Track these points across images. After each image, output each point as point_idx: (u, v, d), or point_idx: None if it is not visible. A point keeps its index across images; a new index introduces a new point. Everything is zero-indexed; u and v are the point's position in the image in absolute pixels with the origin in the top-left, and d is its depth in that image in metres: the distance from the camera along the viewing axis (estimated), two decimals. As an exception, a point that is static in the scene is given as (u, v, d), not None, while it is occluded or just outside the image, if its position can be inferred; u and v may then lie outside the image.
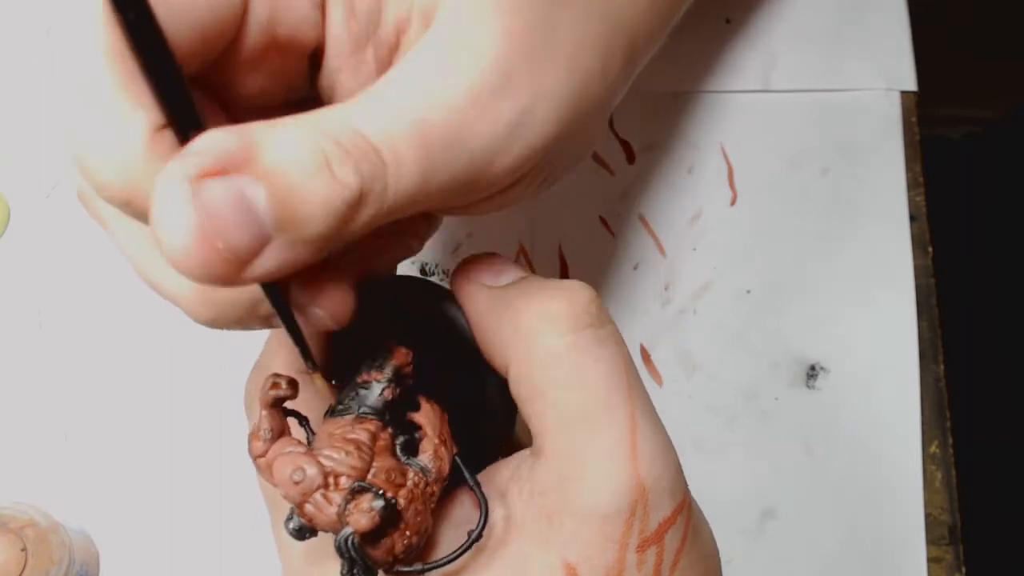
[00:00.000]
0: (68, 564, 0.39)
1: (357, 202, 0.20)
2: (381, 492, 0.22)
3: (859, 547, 0.43)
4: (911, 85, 0.49)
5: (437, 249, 0.47)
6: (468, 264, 0.27)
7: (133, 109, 0.20)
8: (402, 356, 0.25)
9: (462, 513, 0.26)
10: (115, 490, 0.44)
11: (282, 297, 0.23)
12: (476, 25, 0.22)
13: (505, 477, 0.26)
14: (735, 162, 0.49)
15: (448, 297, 0.28)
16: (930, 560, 0.43)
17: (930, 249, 0.47)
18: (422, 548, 0.24)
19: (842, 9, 0.51)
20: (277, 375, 0.24)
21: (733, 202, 0.48)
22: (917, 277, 0.46)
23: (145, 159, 0.20)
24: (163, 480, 0.44)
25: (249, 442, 0.24)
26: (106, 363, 0.46)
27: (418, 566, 0.23)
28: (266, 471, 0.23)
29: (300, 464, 0.22)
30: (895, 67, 0.49)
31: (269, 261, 0.19)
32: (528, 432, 0.26)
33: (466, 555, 0.24)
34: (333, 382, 0.26)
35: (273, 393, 0.24)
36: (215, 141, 0.18)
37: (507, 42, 0.22)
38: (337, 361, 0.27)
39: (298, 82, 0.25)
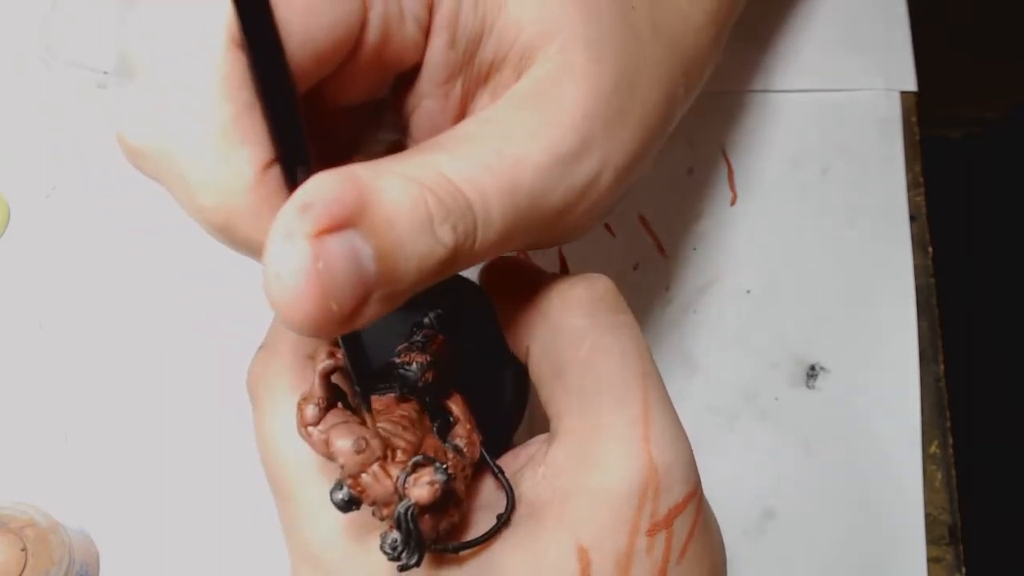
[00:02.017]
0: (68, 564, 0.39)
1: (451, 260, 0.20)
2: (444, 466, 0.22)
3: (859, 547, 0.43)
4: (911, 85, 0.49)
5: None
6: (499, 262, 0.28)
7: (245, 142, 0.20)
8: (441, 342, 0.26)
9: (483, 497, 0.26)
10: (115, 490, 0.44)
11: (357, 339, 0.23)
12: (567, 85, 0.23)
13: (521, 462, 0.27)
14: (735, 162, 0.49)
15: (471, 289, 0.28)
16: (930, 560, 0.43)
17: (930, 249, 0.47)
18: (453, 529, 0.25)
19: (842, 9, 0.51)
20: (334, 347, 0.24)
21: (733, 202, 0.48)
22: (917, 277, 0.46)
23: (252, 193, 0.20)
24: (163, 480, 0.44)
25: (300, 408, 0.24)
26: (106, 363, 0.46)
27: (449, 545, 0.24)
28: (318, 440, 0.23)
29: (363, 434, 0.22)
30: (895, 67, 0.49)
31: (367, 314, 0.19)
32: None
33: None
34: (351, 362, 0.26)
35: (331, 363, 0.24)
36: (329, 190, 0.18)
37: (591, 106, 0.23)
38: (365, 346, 0.27)
39: (381, 90, 0.25)
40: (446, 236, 0.20)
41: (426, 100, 0.25)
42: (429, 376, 0.25)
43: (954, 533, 0.43)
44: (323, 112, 0.25)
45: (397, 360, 0.25)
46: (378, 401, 0.25)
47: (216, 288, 0.47)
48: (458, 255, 0.21)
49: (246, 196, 0.20)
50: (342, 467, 0.22)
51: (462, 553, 0.24)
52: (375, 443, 0.22)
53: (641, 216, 0.48)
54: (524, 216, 0.22)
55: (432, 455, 0.23)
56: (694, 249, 0.47)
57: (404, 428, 0.23)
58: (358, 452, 0.22)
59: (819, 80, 0.49)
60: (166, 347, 0.46)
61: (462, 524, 0.25)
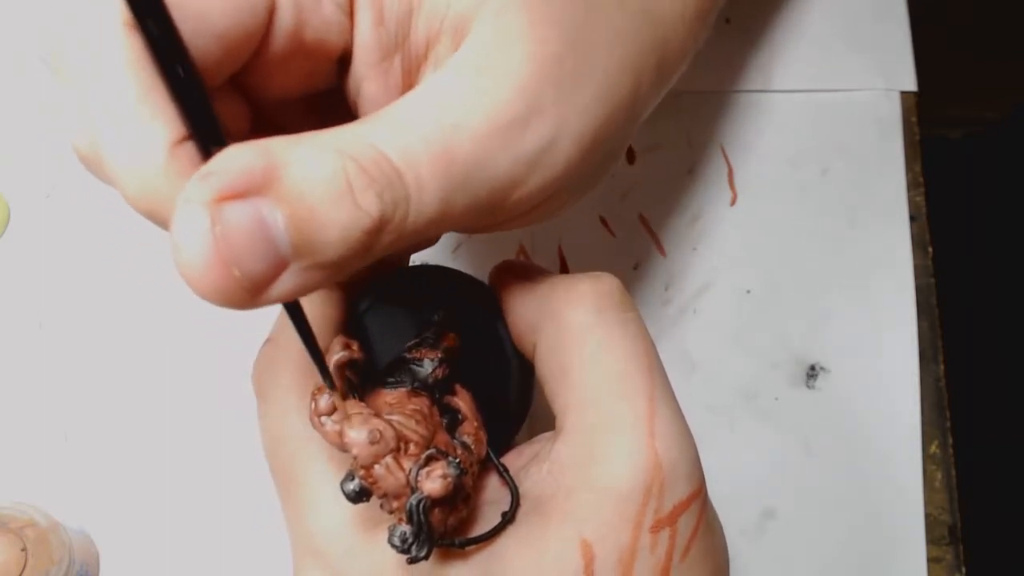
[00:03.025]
0: (68, 564, 0.39)
1: (377, 229, 0.20)
2: (456, 460, 0.23)
3: (859, 547, 0.43)
4: (911, 85, 0.49)
5: (437, 249, 0.47)
6: (507, 263, 0.28)
7: (153, 120, 0.20)
8: (452, 339, 0.26)
9: (488, 493, 0.26)
10: (115, 490, 0.44)
11: (301, 315, 0.23)
12: (506, 49, 0.22)
13: (526, 459, 0.27)
14: (735, 162, 0.49)
15: (477, 288, 0.29)
16: (930, 560, 0.43)
17: (930, 249, 0.47)
18: (462, 524, 0.25)
19: (842, 9, 0.51)
20: (349, 338, 0.24)
21: (733, 202, 0.48)
22: (917, 277, 0.46)
23: (165, 172, 0.20)
24: (163, 480, 0.44)
25: (313, 398, 0.24)
26: (106, 363, 0.46)
27: (456, 540, 0.24)
28: (331, 431, 0.23)
29: (377, 426, 0.22)
30: (895, 67, 0.49)
31: (284, 286, 0.19)
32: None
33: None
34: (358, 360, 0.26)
35: (346, 354, 0.24)
36: (236, 160, 0.18)
37: (536, 70, 0.22)
38: (370, 340, 0.27)
39: (325, 79, 0.25)
40: (370, 205, 0.19)
41: (365, 83, 0.25)
42: (440, 372, 0.25)
43: (954, 533, 0.43)
44: (271, 107, 0.25)
45: (408, 356, 0.25)
46: (390, 395, 0.25)
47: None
48: (385, 225, 0.20)
49: (160, 177, 0.20)
50: (355, 458, 0.22)
51: (467, 548, 0.24)
52: (389, 434, 0.22)
53: (641, 216, 0.48)
54: (464, 187, 0.21)
55: (445, 449, 0.23)
56: (694, 249, 0.47)
57: (417, 422, 0.23)
58: (372, 443, 0.22)
59: (819, 80, 0.49)
60: (166, 347, 0.46)
61: (468, 520, 0.25)
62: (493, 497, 0.26)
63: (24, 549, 0.38)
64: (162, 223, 0.21)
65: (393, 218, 0.20)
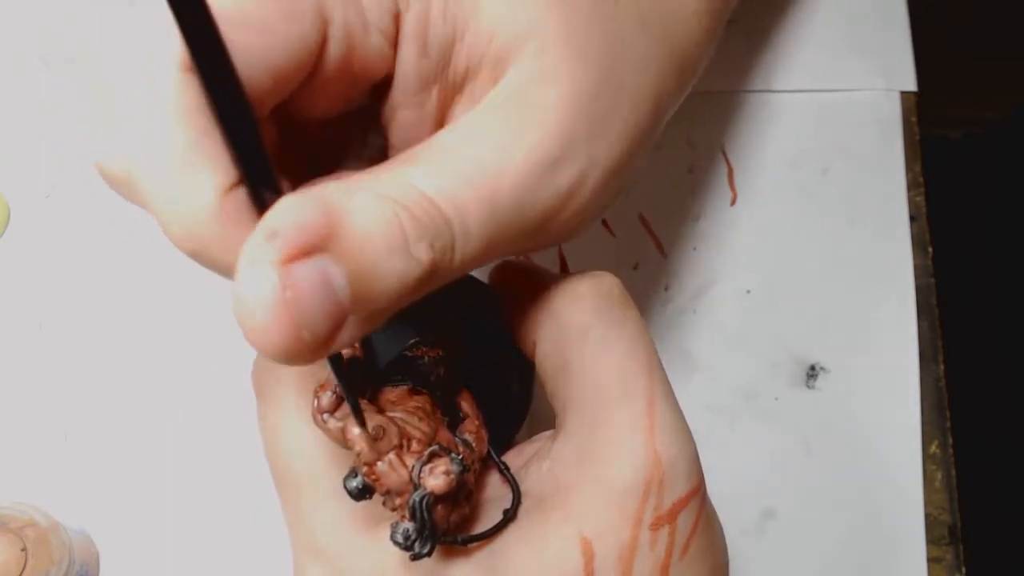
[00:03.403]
0: (68, 564, 0.39)
1: (429, 277, 0.20)
2: (460, 457, 0.23)
3: (859, 547, 0.43)
4: (911, 85, 0.49)
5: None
6: (508, 263, 0.28)
7: (206, 165, 0.20)
8: (452, 341, 0.26)
9: (489, 491, 0.26)
10: (115, 490, 0.44)
11: (340, 359, 0.23)
12: (544, 88, 0.22)
13: (526, 457, 0.27)
14: (735, 162, 0.49)
15: (478, 287, 0.29)
16: (930, 560, 0.43)
17: (930, 249, 0.47)
18: (463, 522, 0.25)
19: (842, 9, 0.51)
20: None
21: (733, 202, 0.48)
22: (917, 277, 0.46)
23: (217, 218, 0.20)
24: (163, 480, 0.44)
25: (316, 394, 0.24)
26: (106, 363, 0.46)
27: (458, 537, 0.24)
28: (334, 428, 0.23)
29: (380, 422, 0.22)
30: (895, 67, 0.49)
31: (344, 338, 0.19)
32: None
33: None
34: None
35: (349, 352, 0.24)
36: (298, 215, 0.18)
37: (572, 109, 0.22)
38: (371, 339, 0.27)
39: (358, 100, 0.25)
40: (422, 254, 0.20)
41: (401, 110, 0.25)
42: (441, 371, 0.25)
43: (954, 533, 0.43)
44: (299, 126, 0.24)
45: (410, 354, 0.25)
46: (392, 392, 0.25)
47: (216, 288, 0.46)
48: (437, 271, 0.20)
49: (210, 222, 0.20)
50: (358, 455, 0.22)
51: (469, 546, 0.24)
52: (392, 431, 0.23)
53: (641, 216, 0.48)
54: (506, 225, 0.22)
55: (443, 447, 0.23)
56: (694, 249, 0.47)
57: (419, 419, 0.23)
58: (375, 440, 0.22)
59: (819, 80, 0.49)
60: (166, 347, 0.46)
61: (470, 517, 0.25)
62: (494, 495, 0.26)
63: (24, 549, 0.38)
64: (209, 264, 0.21)
65: (443, 263, 0.20)
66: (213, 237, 0.20)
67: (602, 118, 0.23)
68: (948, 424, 0.45)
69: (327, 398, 0.23)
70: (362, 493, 0.23)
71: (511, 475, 0.25)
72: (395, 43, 0.23)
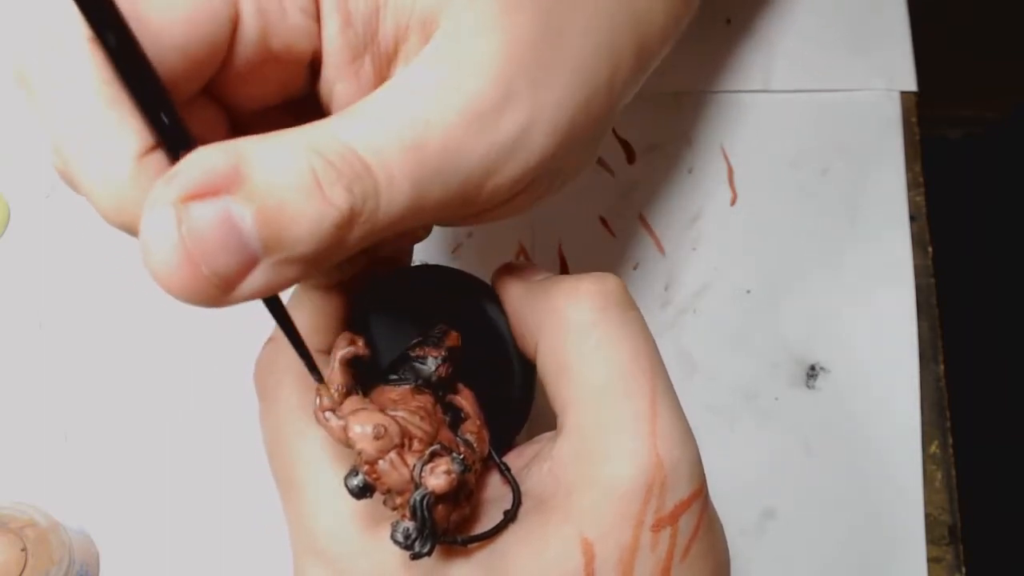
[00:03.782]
0: (68, 564, 0.39)
1: (347, 223, 0.20)
2: (460, 456, 0.23)
3: (859, 547, 0.43)
4: (911, 85, 0.49)
5: (437, 249, 0.47)
6: (509, 265, 0.28)
7: (119, 132, 0.20)
8: (455, 338, 0.26)
9: (490, 491, 0.26)
10: (115, 490, 0.44)
11: (282, 311, 0.23)
12: (477, 37, 0.22)
13: (527, 458, 0.27)
14: (735, 162, 0.49)
15: (479, 288, 0.29)
16: (930, 560, 0.43)
17: (930, 249, 0.47)
18: (464, 522, 0.25)
19: (842, 9, 0.51)
20: (354, 334, 0.24)
21: (733, 202, 0.48)
22: (917, 277, 0.46)
23: (134, 182, 0.20)
24: (163, 480, 0.44)
25: (318, 393, 0.24)
26: (106, 363, 0.46)
27: (459, 537, 0.24)
28: (336, 426, 0.23)
29: (382, 421, 0.22)
30: (895, 67, 0.49)
31: (256, 283, 0.19)
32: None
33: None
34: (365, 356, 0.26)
35: (352, 349, 0.24)
36: (202, 160, 0.18)
37: (508, 57, 0.22)
38: (373, 339, 0.27)
39: (298, 85, 0.25)
40: (339, 198, 0.19)
41: (337, 85, 0.25)
42: (443, 371, 0.25)
43: (954, 533, 0.43)
44: (248, 116, 0.25)
45: (412, 354, 0.26)
46: (394, 391, 0.25)
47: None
48: (356, 219, 0.20)
49: (129, 187, 0.20)
50: (359, 453, 0.22)
51: (469, 546, 0.24)
52: (394, 430, 0.22)
53: (641, 216, 0.48)
54: (437, 178, 0.21)
55: (444, 447, 0.24)
56: (694, 249, 0.47)
57: (421, 418, 0.23)
58: (377, 438, 0.22)
59: (819, 80, 0.49)
60: (166, 346, 0.46)
61: (471, 517, 0.25)
62: (495, 495, 0.26)
63: (24, 549, 0.38)
64: (135, 234, 0.21)
65: (363, 211, 0.20)
66: (135, 203, 0.20)
67: (544, 69, 0.22)
68: (948, 424, 0.45)
69: (328, 397, 0.23)
70: (363, 491, 0.23)
71: (511, 476, 0.25)
72: (317, 18, 0.23)
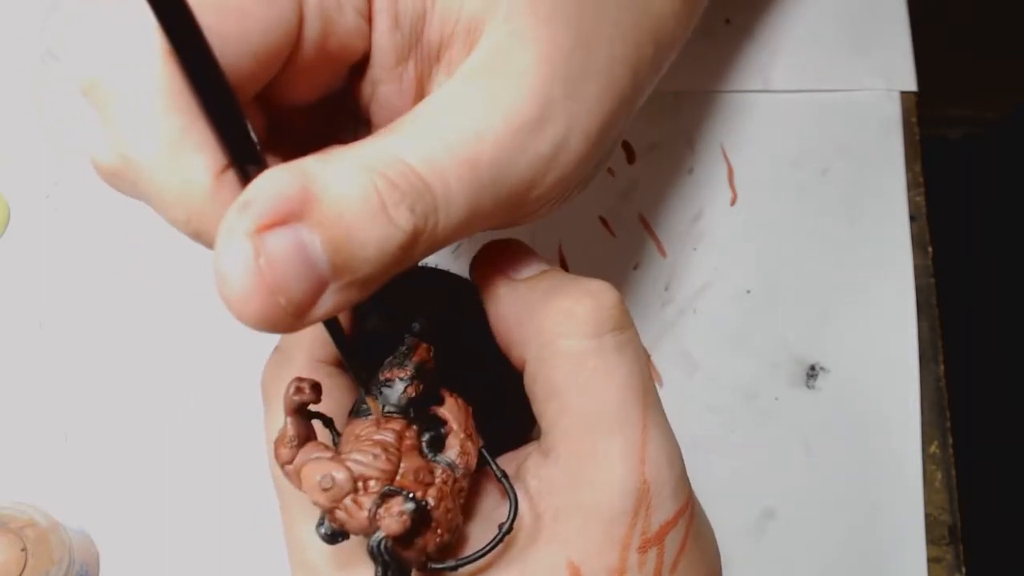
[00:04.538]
0: (68, 564, 0.39)
1: (411, 243, 0.20)
2: (411, 495, 0.22)
3: (859, 547, 0.43)
4: (911, 85, 0.49)
5: (437, 249, 0.47)
6: (490, 252, 0.27)
7: (201, 150, 0.20)
8: (423, 352, 0.25)
9: (488, 506, 0.26)
10: (115, 490, 0.44)
11: (338, 327, 0.23)
12: (518, 51, 0.22)
13: (511, 470, 0.26)
14: (735, 162, 0.49)
15: (470, 287, 0.28)
16: (930, 560, 0.43)
17: (930, 249, 0.47)
18: (454, 544, 0.24)
19: (842, 9, 0.51)
20: (300, 379, 0.24)
21: (733, 202, 0.48)
22: (917, 277, 0.46)
23: (213, 199, 0.20)
24: (163, 480, 0.44)
25: (275, 449, 0.24)
26: (106, 363, 0.46)
27: (451, 562, 0.24)
28: (294, 478, 0.23)
29: (328, 470, 0.22)
30: (895, 67, 0.49)
31: (325, 306, 0.19)
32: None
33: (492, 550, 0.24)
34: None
35: (297, 399, 0.23)
36: (273, 185, 0.18)
37: (547, 70, 0.22)
38: (362, 355, 0.27)
39: (338, 83, 0.25)
40: (403, 219, 0.19)
41: (381, 86, 0.25)
42: (412, 390, 0.25)
43: (954, 533, 0.43)
44: (286, 114, 0.25)
45: (381, 377, 0.25)
46: (359, 425, 0.24)
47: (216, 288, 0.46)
48: (419, 237, 0.20)
49: (208, 203, 0.20)
50: (314, 503, 0.22)
51: (463, 570, 0.24)
52: (342, 477, 0.22)
53: (641, 216, 0.48)
54: (489, 191, 0.21)
55: (414, 476, 0.23)
56: (694, 249, 0.47)
57: (375, 456, 0.23)
58: (325, 490, 0.22)
59: (819, 80, 0.49)
60: (166, 347, 0.46)
61: (461, 537, 0.24)
62: (495, 508, 0.26)
63: (24, 549, 0.38)
64: (210, 244, 0.21)
65: (425, 229, 0.20)
66: (210, 217, 0.20)
67: (577, 79, 0.23)
68: (948, 424, 0.45)
69: (284, 452, 0.23)
70: (334, 538, 0.23)
71: (510, 485, 0.24)
72: (369, 19, 0.23)
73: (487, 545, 0.24)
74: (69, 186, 0.49)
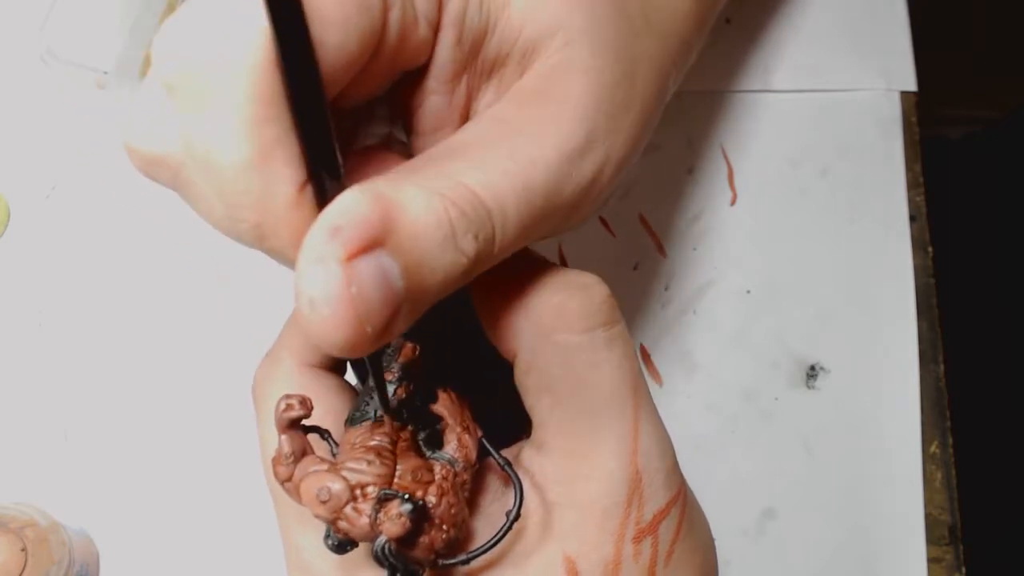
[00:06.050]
0: (68, 564, 0.39)
1: (473, 268, 0.21)
2: (407, 496, 0.22)
3: (859, 547, 0.43)
4: (911, 85, 0.49)
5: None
6: None
7: (288, 163, 0.20)
8: (409, 352, 0.25)
9: (486, 500, 0.26)
10: (115, 490, 0.44)
11: (379, 353, 0.23)
12: (570, 80, 0.23)
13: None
14: (735, 162, 0.49)
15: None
16: (930, 560, 0.43)
17: (930, 249, 0.47)
18: (462, 538, 0.24)
19: (842, 9, 0.51)
20: (289, 396, 0.24)
21: (733, 202, 0.48)
22: (917, 277, 0.46)
23: (294, 212, 0.20)
24: (163, 480, 0.44)
25: (273, 467, 0.24)
26: (106, 363, 0.46)
27: (462, 556, 0.24)
28: (294, 494, 0.23)
29: (324, 482, 0.22)
30: (895, 67, 0.49)
31: (397, 328, 0.19)
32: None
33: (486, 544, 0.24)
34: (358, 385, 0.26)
35: (287, 415, 0.23)
36: (356, 210, 0.18)
37: (594, 101, 0.24)
38: (354, 360, 0.27)
39: (386, 88, 0.25)
40: (469, 247, 0.20)
41: (432, 96, 0.25)
42: (402, 392, 0.25)
43: (954, 533, 0.43)
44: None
45: (369, 384, 0.25)
46: (354, 433, 0.24)
47: (216, 289, 0.46)
48: (479, 262, 0.21)
49: (286, 214, 0.20)
50: (315, 516, 0.22)
51: (464, 567, 0.24)
52: (338, 488, 0.22)
53: (641, 216, 0.48)
54: (538, 214, 0.22)
55: (413, 476, 0.23)
56: (694, 249, 0.47)
57: (369, 463, 0.23)
58: (323, 502, 0.22)
59: (819, 80, 0.49)
60: (166, 347, 0.46)
61: (468, 530, 0.25)
62: (490, 499, 0.26)
63: (24, 549, 0.38)
64: (269, 251, 0.21)
65: (484, 254, 0.21)
66: (286, 229, 0.20)
67: (619, 111, 0.24)
68: (948, 424, 0.45)
69: (282, 471, 0.23)
70: (342, 547, 0.23)
71: (513, 472, 0.25)
72: (436, 31, 0.24)
73: (495, 536, 0.24)
74: (69, 186, 0.49)
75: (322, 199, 0.19)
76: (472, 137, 0.22)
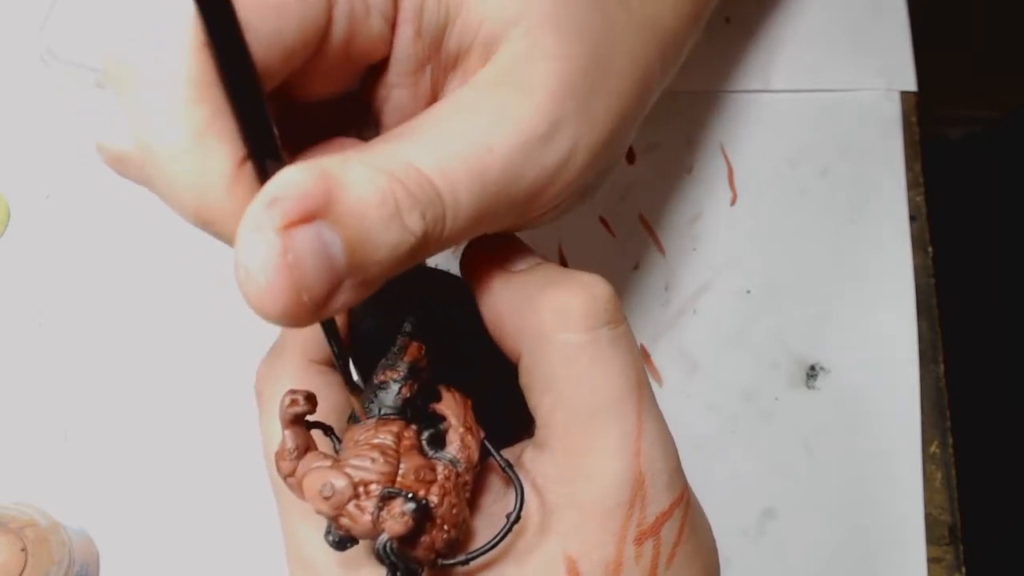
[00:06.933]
0: (68, 564, 0.39)
1: (421, 247, 0.21)
2: (411, 495, 0.22)
3: (859, 547, 0.43)
4: (911, 85, 0.49)
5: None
6: (482, 245, 0.27)
7: (221, 141, 0.20)
8: (415, 351, 0.25)
9: (487, 500, 0.26)
10: (115, 490, 0.44)
11: (333, 325, 0.23)
12: (535, 64, 0.23)
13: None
14: (735, 162, 0.49)
15: (460, 282, 0.28)
16: (930, 560, 0.43)
17: (930, 249, 0.47)
18: (463, 538, 0.24)
19: (842, 9, 0.51)
20: (294, 391, 0.24)
21: (733, 202, 0.48)
22: (917, 277, 0.46)
23: (231, 190, 0.21)
24: (163, 480, 0.44)
25: (276, 463, 0.24)
26: (106, 363, 0.46)
27: (461, 556, 0.24)
28: (297, 489, 0.23)
29: (328, 479, 0.22)
30: (895, 67, 0.49)
31: (339, 303, 0.19)
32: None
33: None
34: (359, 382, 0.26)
35: (292, 411, 0.24)
36: (296, 183, 0.18)
37: (560, 87, 0.23)
38: (359, 358, 0.27)
39: (352, 84, 0.26)
40: (415, 225, 0.20)
41: (396, 90, 0.25)
42: (407, 390, 0.25)
43: (954, 533, 0.43)
44: (298, 106, 0.25)
45: (376, 381, 0.25)
46: (358, 430, 0.24)
47: (216, 288, 0.46)
48: (428, 242, 0.21)
49: (225, 192, 0.20)
50: (317, 513, 0.22)
51: (465, 567, 0.24)
52: (341, 485, 0.22)
53: (641, 216, 0.48)
54: (494, 200, 0.22)
55: (415, 475, 0.23)
56: (694, 249, 0.47)
57: (373, 460, 0.23)
58: (326, 499, 0.22)
59: (819, 80, 0.49)
60: (166, 347, 0.46)
61: (469, 531, 0.25)
62: (491, 499, 0.26)
63: (24, 549, 0.38)
64: (218, 233, 0.21)
65: (433, 234, 0.21)
66: (225, 208, 0.21)
67: (588, 97, 0.24)
68: (948, 424, 0.45)
69: (285, 466, 0.24)
70: (343, 544, 0.23)
71: (515, 475, 0.25)
72: (393, 25, 0.24)
73: (495, 537, 0.24)
74: (69, 186, 0.49)
75: (263, 178, 0.19)
76: (427, 120, 0.22)
